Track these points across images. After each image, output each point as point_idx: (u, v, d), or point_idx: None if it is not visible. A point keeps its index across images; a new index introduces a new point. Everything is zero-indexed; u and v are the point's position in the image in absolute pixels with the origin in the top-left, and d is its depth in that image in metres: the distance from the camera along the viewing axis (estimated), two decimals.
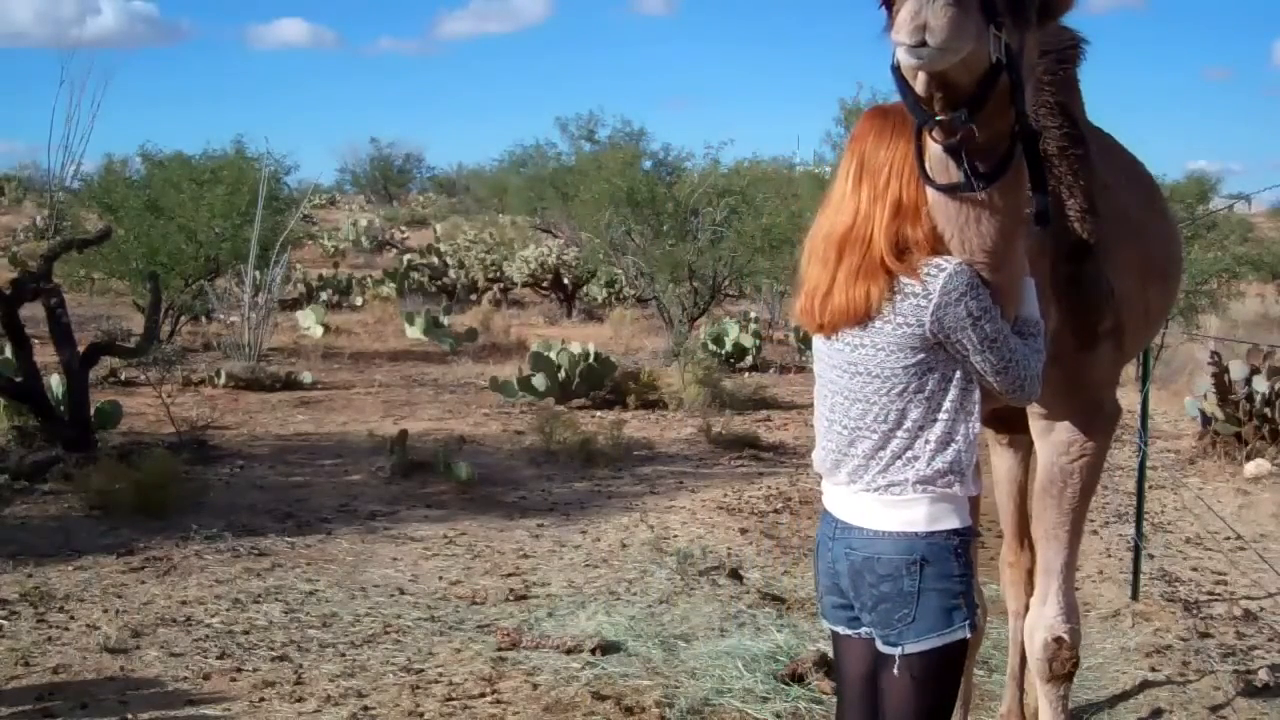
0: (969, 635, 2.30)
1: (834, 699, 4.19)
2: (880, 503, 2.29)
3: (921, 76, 2.09)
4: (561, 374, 10.83)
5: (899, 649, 2.29)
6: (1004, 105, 2.15)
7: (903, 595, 2.27)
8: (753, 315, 18.12)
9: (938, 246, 2.24)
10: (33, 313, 8.26)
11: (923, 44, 1.99)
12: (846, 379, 2.31)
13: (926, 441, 2.26)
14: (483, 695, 4.21)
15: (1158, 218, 3.47)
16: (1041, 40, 3.11)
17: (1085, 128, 3.10)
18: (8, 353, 8.38)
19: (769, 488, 7.72)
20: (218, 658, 4.52)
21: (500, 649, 4.65)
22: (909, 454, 2.26)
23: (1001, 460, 3.86)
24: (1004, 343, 2.23)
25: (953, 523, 2.27)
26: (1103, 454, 3.13)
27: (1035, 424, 3.09)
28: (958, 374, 2.26)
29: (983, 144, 2.19)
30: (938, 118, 2.14)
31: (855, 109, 22.85)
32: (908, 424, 2.26)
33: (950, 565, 2.26)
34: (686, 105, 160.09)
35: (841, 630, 2.45)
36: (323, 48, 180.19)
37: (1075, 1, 2.29)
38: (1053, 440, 3.05)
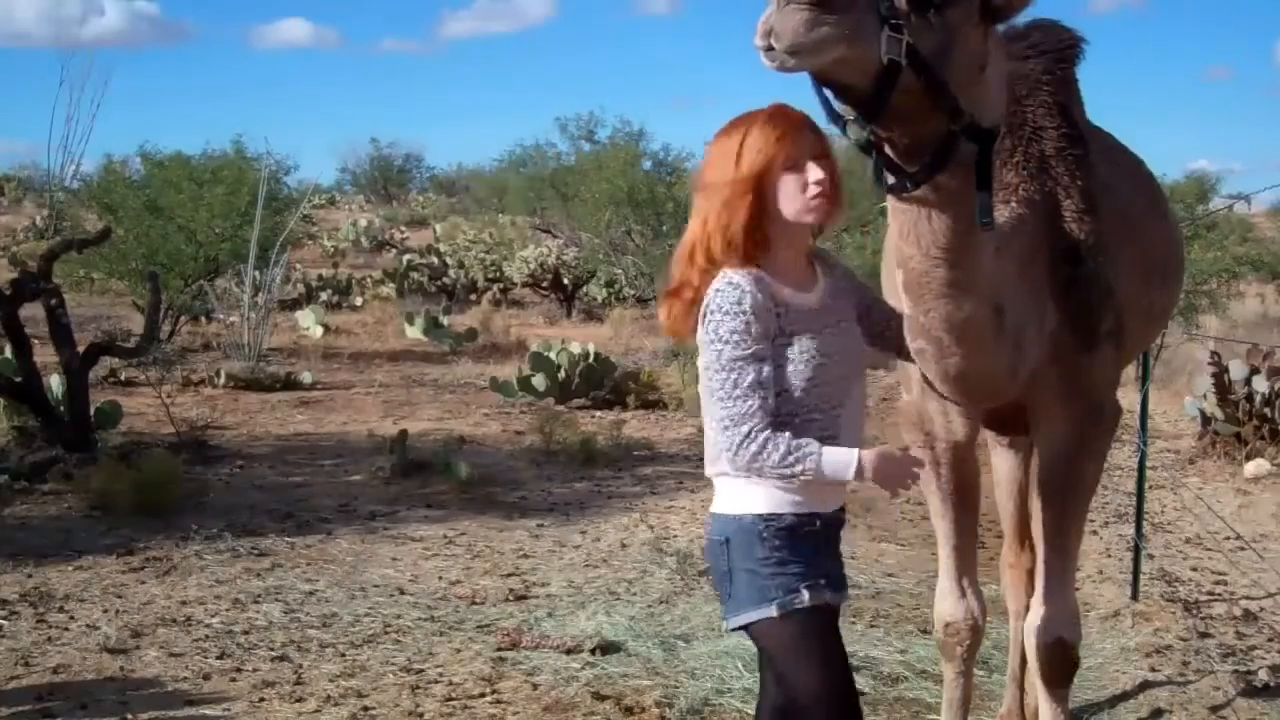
0: (776, 614, 2.37)
1: None
2: (715, 488, 2.48)
3: (808, 77, 2.09)
4: (561, 374, 10.83)
5: (726, 623, 2.48)
6: (921, 106, 2.13)
7: (719, 573, 2.46)
8: None
9: (745, 262, 2.34)
10: (33, 313, 8.26)
11: (770, 48, 1.97)
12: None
13: None
14: (483, 695, 4.21)
15: (1159, 218, 3.46)
16: (1037, 40, 3.10)
17: (1085, 128, 3.09)
18: (8, 353, 8.38)
19: None
20: (218, 658, 4.52)
21: (500, 649, 4.64)
22: (717, 445, 2.39)
23: (1003, 461, 3.85)
24: (712, 380, 2.33)
25: (760, 507, 2.38)
26: (1103, 455, 3.12)
27: (1035, 425, 3.07)
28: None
29: (908, 145, 2.19)
30: (846, 119, 2.15)
31: None
32: (711, 419, 2.40)
33: (755, 547, 2.38)
34: (688, 106, 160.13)
35: None
36: (326, 48, 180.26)
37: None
38: (1052, 441, 3.03)
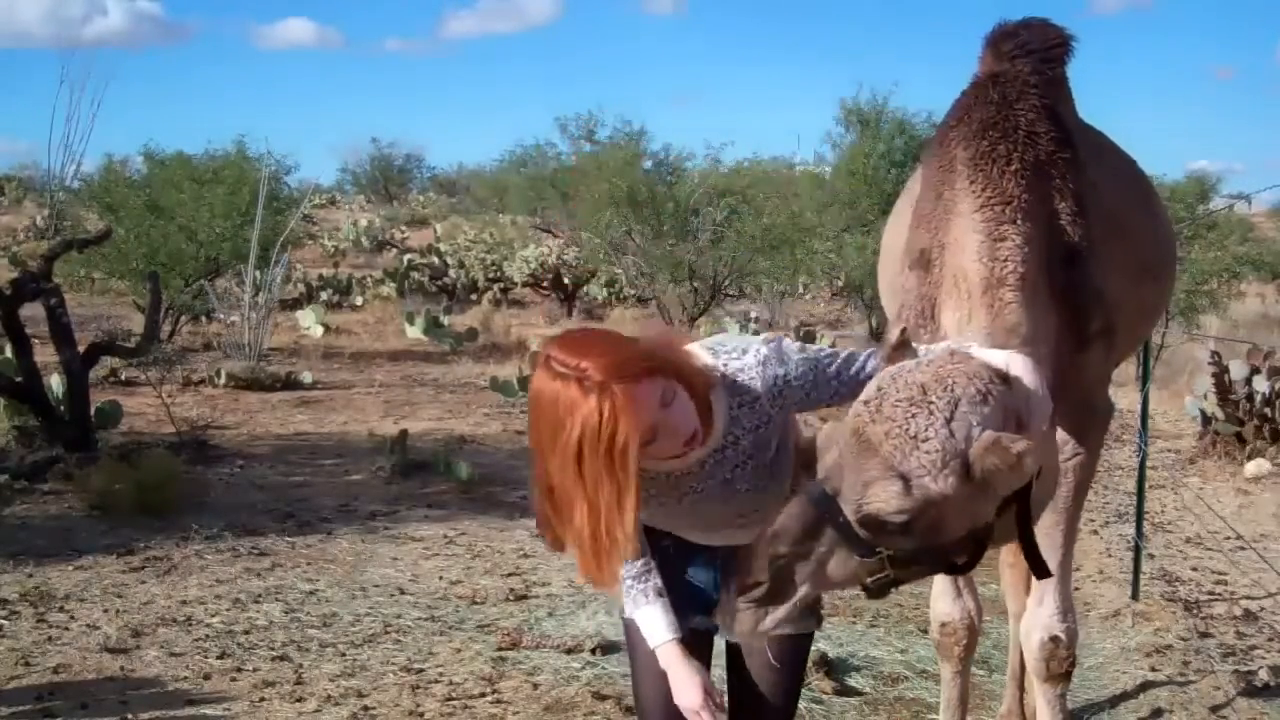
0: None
1: (834, 699, 4.20)
2: None
3: None
4: None
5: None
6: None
7: None
8: (753, 315, 18.12)
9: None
10: (33, 313, 8.25)
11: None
12: None
13: None
14: (483, 695, 4.22)
15: (1149, 216, 3.43)
16: (1025, 40, 3.08)
17: (1074, 127, 3.06)
18: (8, 353, 8.38)
19: None
20: (218, 658, 4.53)
21: (500, 649, 4.65)
22: None
23: None
24: None
25: None
26: (1096, 453, 3.11)
27: None
28: None
29: None
30: None
31: (855, 108, 22.90)
32: None
33: None
34: (690, 105, 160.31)
35: None
36: (329, 48, 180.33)
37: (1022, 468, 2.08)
38: None
